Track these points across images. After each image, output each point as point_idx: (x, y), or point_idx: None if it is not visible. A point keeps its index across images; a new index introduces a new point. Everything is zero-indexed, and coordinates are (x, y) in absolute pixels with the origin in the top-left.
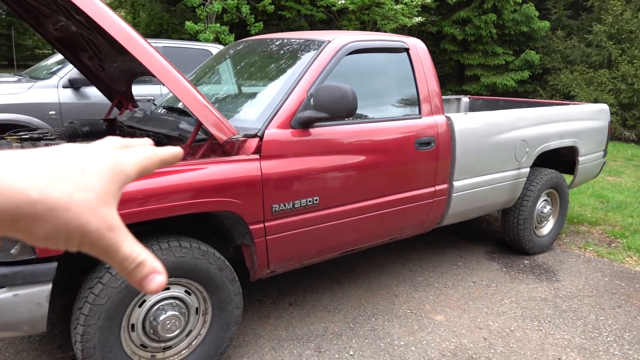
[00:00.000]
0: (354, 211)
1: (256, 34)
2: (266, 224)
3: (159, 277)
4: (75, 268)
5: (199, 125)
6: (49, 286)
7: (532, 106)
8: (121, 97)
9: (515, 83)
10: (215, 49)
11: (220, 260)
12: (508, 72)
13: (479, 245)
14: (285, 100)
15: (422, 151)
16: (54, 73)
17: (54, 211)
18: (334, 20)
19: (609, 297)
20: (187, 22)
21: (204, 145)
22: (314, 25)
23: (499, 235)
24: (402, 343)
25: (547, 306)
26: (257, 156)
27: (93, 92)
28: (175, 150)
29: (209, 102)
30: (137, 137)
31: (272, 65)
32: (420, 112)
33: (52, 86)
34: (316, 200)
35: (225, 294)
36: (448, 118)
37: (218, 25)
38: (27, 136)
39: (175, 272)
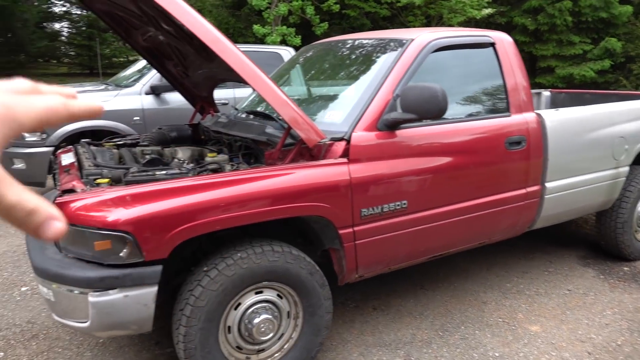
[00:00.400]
0: (443, 215)
1: (322, 34)
2: (355, 229)
3: (57, 223)
4: (171, 269)
5: (289, 130)
6: (155, 288)
7: (625, 99)
8: (203, 103)
9: (595, 73)
10: (284, 51)
11: (311, 264)
12: (586, 62)
13: (570, 249)
14: (371, 102)
15: (513, 151)
16: (136, 80)
17: None
18: (398, 16)
19: None
20: (255, 26)
21: (293, 149)
22: (375, 23)
23: (591, 239)
24: (496, 354)
25: None
26: (345, 160)
27: (172, 98)
28: (91, 104)
29: (298, 107)
30: (224, 142)
31: (353, 66)
32: (509, 110)
33: (135, 93)
34: (404, 204)
35: (315, 298)
36: (538, 115)
37: (284, 27)
38: (122, 142)
39: (268, 276)
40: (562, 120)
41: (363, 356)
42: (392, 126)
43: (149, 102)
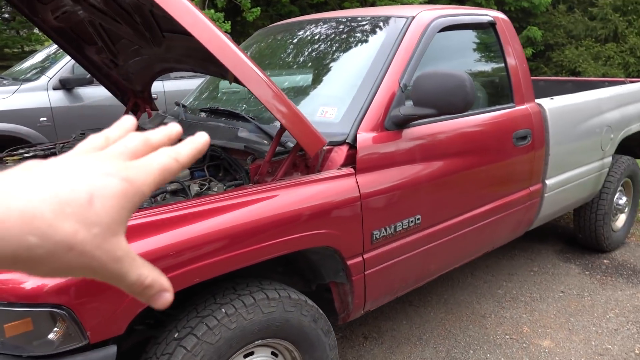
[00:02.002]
0: (455, 226)
1: (253, 20)
2: (365, 256)
3: (167, 295)
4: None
5: (280, 134)
6: None
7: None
8: (136, 99)
9: None
10: None
11: (314, 308)
12: None
13: (546, 244)
14: (375, 94)
15: (520, 147)
16: (41, 73)
17: (54, 253)
18: (329, 3)
19: None
20: None
21: (285, 160)
22: (304, 11)
23: (565, 232)
24: None
25: None
26: (351, 170)
27: (88, 93)
28: (196, 143)
29: (292, 103)
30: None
31: (338, 51)
32: (513, 100)
33: (41, 88)
34: (418, 219)
35: (320, 351)
36: (539, 105)
37: (212, 11)
38: (31, 154)
39: (262, 334)
40: (560, 111)
41: None
42: (402, 124)
43: (58, 98)
